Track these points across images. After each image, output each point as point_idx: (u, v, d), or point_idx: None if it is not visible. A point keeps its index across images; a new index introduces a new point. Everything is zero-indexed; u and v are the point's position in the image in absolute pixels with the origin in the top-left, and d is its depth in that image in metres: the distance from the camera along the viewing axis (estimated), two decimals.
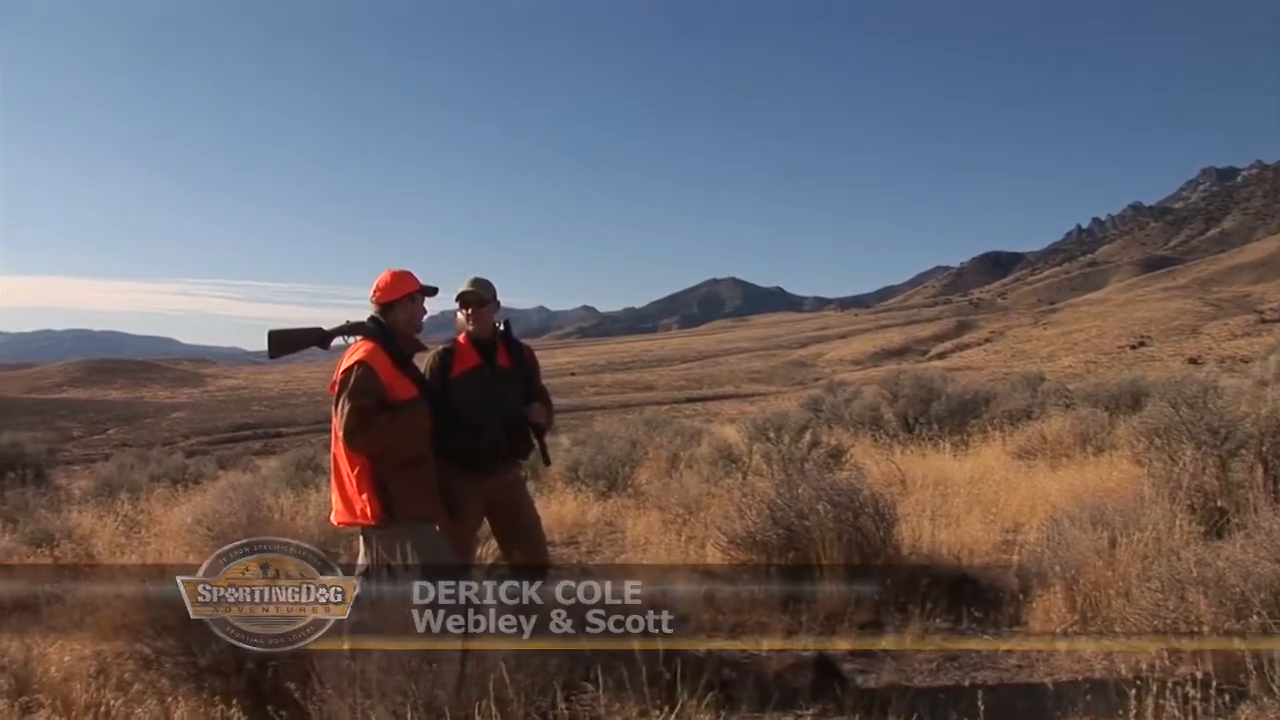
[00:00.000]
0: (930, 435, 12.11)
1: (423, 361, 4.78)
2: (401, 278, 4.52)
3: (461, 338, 4.93)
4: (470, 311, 4.88)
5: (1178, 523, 5.16)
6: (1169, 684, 3.46)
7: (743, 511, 5.98)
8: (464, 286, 4.90)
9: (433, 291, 4.64)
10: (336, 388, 4.27)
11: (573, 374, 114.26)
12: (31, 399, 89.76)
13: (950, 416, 13.35)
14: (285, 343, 4.50)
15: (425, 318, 4.65)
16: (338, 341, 4.54)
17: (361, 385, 4.19)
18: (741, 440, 11.49)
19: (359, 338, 4.43)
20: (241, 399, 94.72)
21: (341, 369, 4.29)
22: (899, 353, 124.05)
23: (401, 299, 4.49)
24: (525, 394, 4.91)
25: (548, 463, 5.25)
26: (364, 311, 4.60)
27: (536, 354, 5.17)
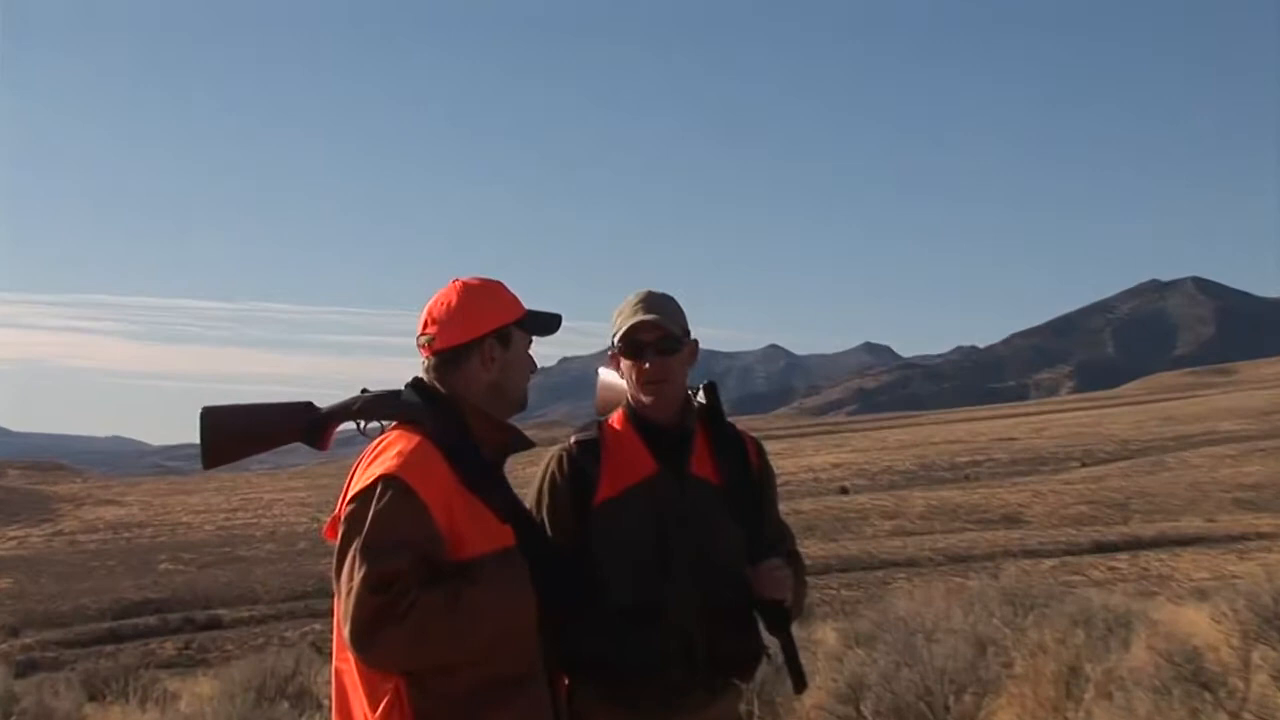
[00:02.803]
0: None
1: (528, 477, 4.38)
2: (483, 297, 4.01)
3: (615, 419, 4.37)
4: (639, 364, 4.24)
5: None
6: None
7: None
8: (625, 312, 4.31)
9: (548, 325, 4.11)
10: (340, 528, 3.70)
11: (844, 490, 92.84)
12: None
13: None
14: (235, 434, 4.04)
15: (533, 377, 4.10)
16: (346, 429, 4.11)
17: (390, 526, 3.60)
18: (1225, 639, 10.23)
19: (390, 424, 3.96)
20: (135, 549, 76.95)
21: (351, 491, 3.74)
22: None
23: (484, 340, 3.95)
24: (750, 538, 4.25)
25: (800, 686, 4.45)
26: (407, 366, 4.23)
27: (768, 450, 4.59)
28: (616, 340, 4.32)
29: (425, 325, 4.00)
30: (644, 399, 4.30)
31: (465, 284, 4.02)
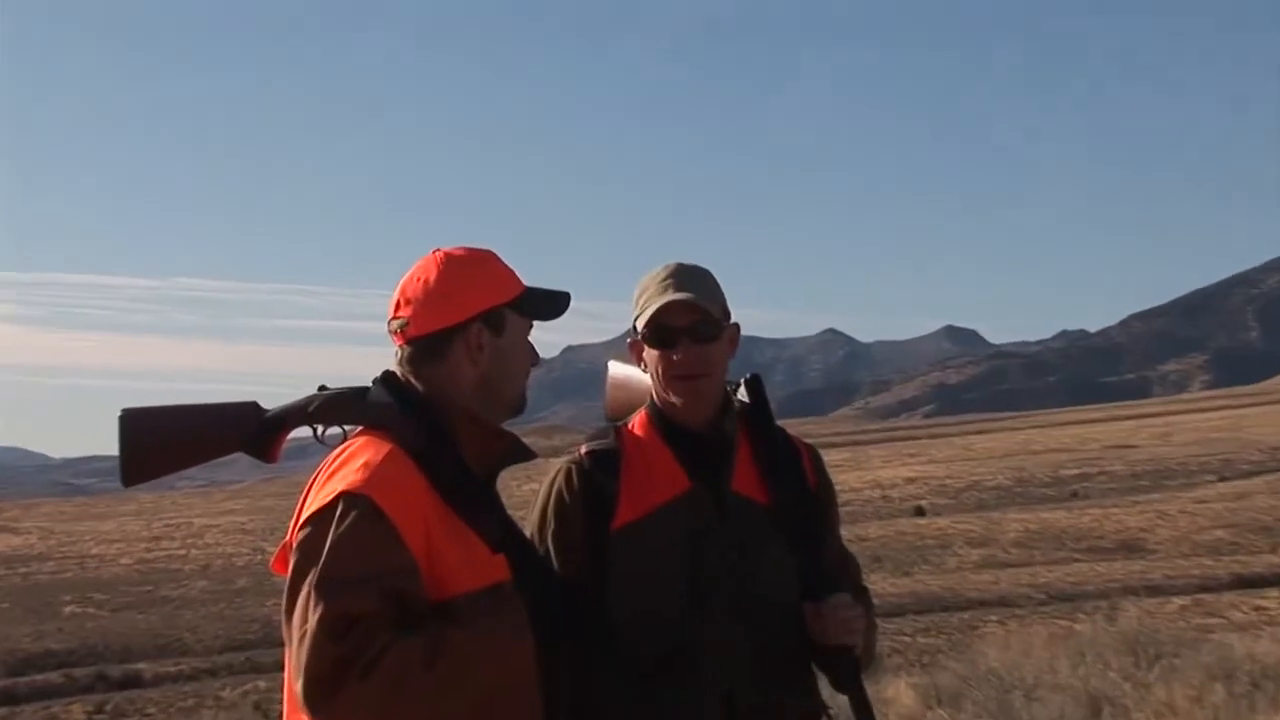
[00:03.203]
0: None
1: (527, 496, 4.23)
2: (470, 270, 3.54)
3: (636, 423, 3.91)
4: (668, 355, 3.76)
5: None
6: None
7: None
8: (651, 290, 3.84)
9: (552, 306, 3.69)
10: (291, 559, 3.24)
11: (920, 510, 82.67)
12: None
13: None
14: (163, 443, 3.53)
15: (535, 372, 3.67)
16: (299, 435, 3.62)
17: (353, 555, 3.17)
18: None
19: (354, 429, 3.53)
20: (33, 587, 67.63)
21: (306, 513, 3.28)
22: None
23: (470, 325, 3.49)
24: (806, 569, 3.80)
25: None
26: (379, 357, 3.77)
27: (826, 460, 4.15)
28: (640, 325, 3.79)
29: (398, 306, 3.51)
30: (673, 399, 3.77)
31: (448, 255, 3.55)
